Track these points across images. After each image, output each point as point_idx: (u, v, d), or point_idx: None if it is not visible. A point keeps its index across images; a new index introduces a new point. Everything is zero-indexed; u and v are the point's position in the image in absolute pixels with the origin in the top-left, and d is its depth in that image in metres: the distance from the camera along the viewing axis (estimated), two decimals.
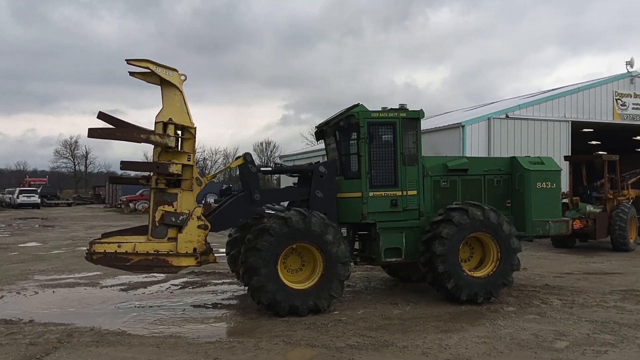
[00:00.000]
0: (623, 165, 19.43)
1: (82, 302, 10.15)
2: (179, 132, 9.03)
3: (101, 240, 8.71)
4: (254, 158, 9.85)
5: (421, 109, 9.93)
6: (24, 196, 45.13)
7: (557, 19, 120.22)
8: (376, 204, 9.66)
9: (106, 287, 11.70)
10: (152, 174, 8.97)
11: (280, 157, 48.60)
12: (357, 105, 9.87)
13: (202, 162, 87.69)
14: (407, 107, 9.98)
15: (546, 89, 34.39)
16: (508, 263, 9.55)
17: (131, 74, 8.95)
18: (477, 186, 10.46)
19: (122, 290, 11.29)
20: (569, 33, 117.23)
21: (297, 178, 10.59)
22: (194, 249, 8.78)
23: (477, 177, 10.49)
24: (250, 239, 8.66)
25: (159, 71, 8.80)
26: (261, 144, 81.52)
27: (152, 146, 9.00)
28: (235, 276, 10.97)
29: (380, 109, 9.94)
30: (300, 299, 8.62)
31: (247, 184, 9.45)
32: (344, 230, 9.78)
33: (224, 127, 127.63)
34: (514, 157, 10.91)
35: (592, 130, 27.88)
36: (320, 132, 10.88)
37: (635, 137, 31.38)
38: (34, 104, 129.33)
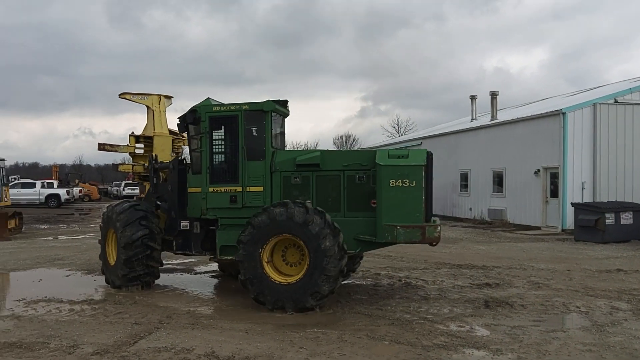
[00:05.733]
0: None
1: (180, 286, 10.76)
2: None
3: None
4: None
5: (267, 100, 9.45)
6: (128, 188, 49.08)
7: None
8: (216, 200, 9.44)
9: (200, 273, 12.39)
10: None
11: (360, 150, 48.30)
12: (207, 99, 9.82)
13: None
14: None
15: None
16: (319, 268, 8.40)
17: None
18: (335, 183, 9.31)
19: (213, 277, 11.89)
20: None
21: None
22: None
23: (334, 173, 9.32)
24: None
25: (134, 98, 12.20)
26: (341, 137, 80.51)
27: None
28: None
29: (230, 103, 9.66)
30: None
31: None
32: (185, 224, 10.10)
33: (304, 121, 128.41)
34: (378, 149, 9.66)
35: None
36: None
37: None
38: (133, 104, 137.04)
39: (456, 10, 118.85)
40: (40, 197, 39.96)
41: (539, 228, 22.32)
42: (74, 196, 43.69)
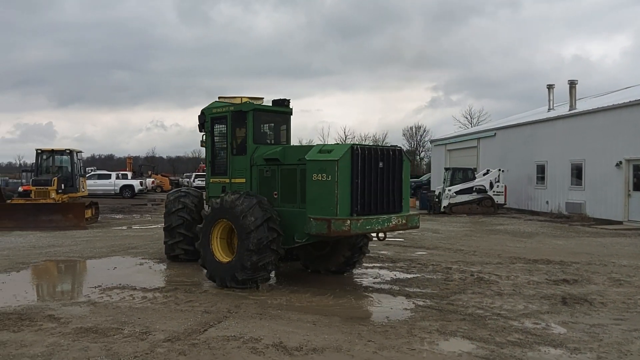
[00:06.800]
0: None
1: None
2: None
3: None
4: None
5: (247, 102, 10.54)
6: (199, 180, 50.41)
7: None
8: (214, 190, 11.09)
9: None
10: None
11: (431, 141, 47.07)
12: (214, 102, 11.10)
13: None
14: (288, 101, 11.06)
15: None
16: (244, 249, 9.21)
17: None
18: (293, 176, 9.76)
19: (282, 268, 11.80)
20: None
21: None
22: None
23: (292, 167, 9.76)
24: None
25: (226, 101, 12.01)
26: (410, 128, 78.84)
27: None
28: None
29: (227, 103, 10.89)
30: None
31: None
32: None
33: (373, 113, 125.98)
34: (316, 145, 9.78)
35: None
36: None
37: None
38: (204, 97, 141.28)
39: None
40: (115, 188, 41.66)
41: (620, 222, 21.16)
42: (147, 187, 45.33)
